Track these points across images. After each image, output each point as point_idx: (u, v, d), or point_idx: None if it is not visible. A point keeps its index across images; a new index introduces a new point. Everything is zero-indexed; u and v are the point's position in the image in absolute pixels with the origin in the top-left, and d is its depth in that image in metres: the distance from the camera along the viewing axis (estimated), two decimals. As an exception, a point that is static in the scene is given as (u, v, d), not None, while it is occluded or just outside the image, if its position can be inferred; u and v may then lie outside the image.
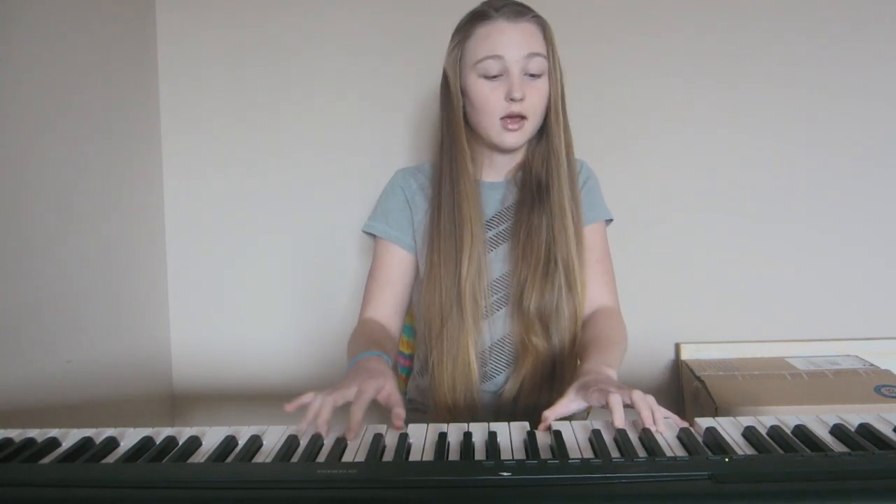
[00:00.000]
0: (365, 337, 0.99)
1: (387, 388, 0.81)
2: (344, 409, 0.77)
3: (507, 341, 1.04)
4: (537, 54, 0.96)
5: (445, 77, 1.03)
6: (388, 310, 1.06)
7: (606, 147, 1.52)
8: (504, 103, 0.97)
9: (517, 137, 0.99)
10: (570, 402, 0.79)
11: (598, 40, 1.56)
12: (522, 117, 0.98)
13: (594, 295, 1.04)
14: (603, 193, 1.11)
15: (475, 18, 0.99)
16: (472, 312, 0.98)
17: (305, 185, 1.62)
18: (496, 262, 1.04)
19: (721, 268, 1.58)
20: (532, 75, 0.97)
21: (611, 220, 1.11)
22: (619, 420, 0.70)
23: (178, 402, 1.66)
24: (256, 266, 1.64)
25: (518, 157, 1.07)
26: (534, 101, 0.98)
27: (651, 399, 0.74)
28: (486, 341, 1.03)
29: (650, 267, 1.56)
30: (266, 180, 1.62)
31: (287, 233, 1.63)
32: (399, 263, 1.07)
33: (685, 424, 0.71)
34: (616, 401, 0.72)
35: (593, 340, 0.96)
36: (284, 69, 1.60)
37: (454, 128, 1.02)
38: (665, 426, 0.71)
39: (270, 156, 1.62)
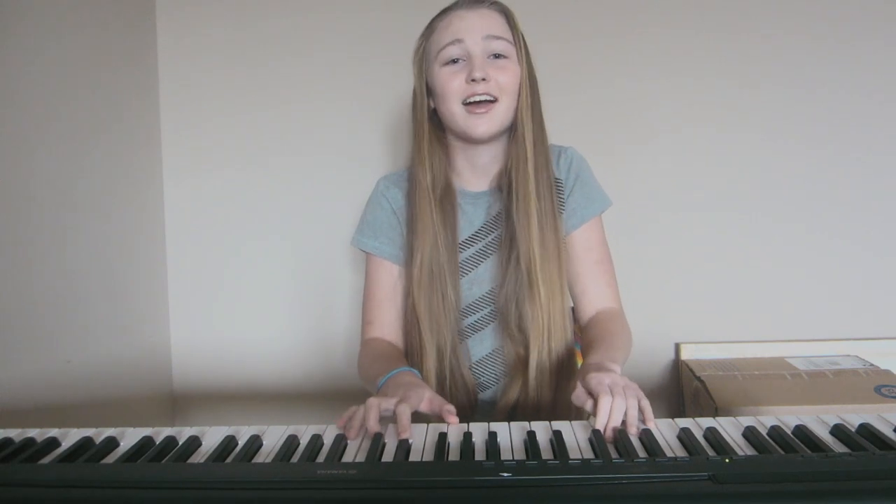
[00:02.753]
0: (381, 356, 0.97)
1: (427, 395, 0.81)
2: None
3: (497, 354, 1.02)
4: (499, 37, 0.93)
5: (414, 83, 1.01)
6: (389, 328, 1.03)
7: (606, 146, 1.52)
8: (465, 86, 0.92)
9: (487, 123, 0.93)
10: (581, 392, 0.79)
11: (599, 38, 1.56)
12: (492, 101, 0.93)
13: (595, 298, 1.01)
14: (597, 178, 1.05)
15: (436, 16, 0.98)
16: (434, 337, 0.96)
17: (306, 185, 1.62)
18: (485, 275, 1.01)
19: (721, 268, 1.58)
20: (497, 56, 0.94)
21: (609, 205, 1.04)
22: (601, 422, 0.70)
23: (178, 402, 1.66)
24: (256, 266, 1.64)
25: (500, 161, 1.01)
26: (501, 81, 0.93)
27: (629, 403, 0.72)
28: (474, 356, 1.02)
29: (650, 266, 1.56)
30: (266, 180, 1.62)
31: (287, 233, 1.63)
32: (392, 279, 1.03)
33: (651, 426, 0.71)
34: (605, 403, 0.71)
35: (596, 339, 0.94)
36: (285, 69, 1.60)
37: (417, 134, 0.99)
38: (647, 426, 0.71)
39: (270, 155, 1.62)
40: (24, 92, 1.18)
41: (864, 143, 1.54)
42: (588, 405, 0.76)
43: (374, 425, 0.71)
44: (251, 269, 1.64)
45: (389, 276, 1.03)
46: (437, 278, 0.96)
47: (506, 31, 0.95)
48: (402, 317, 1.04)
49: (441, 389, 0.98)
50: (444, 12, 0.97)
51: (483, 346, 1.02)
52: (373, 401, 0.75)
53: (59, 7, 1.27)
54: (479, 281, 1.01)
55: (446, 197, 0.99)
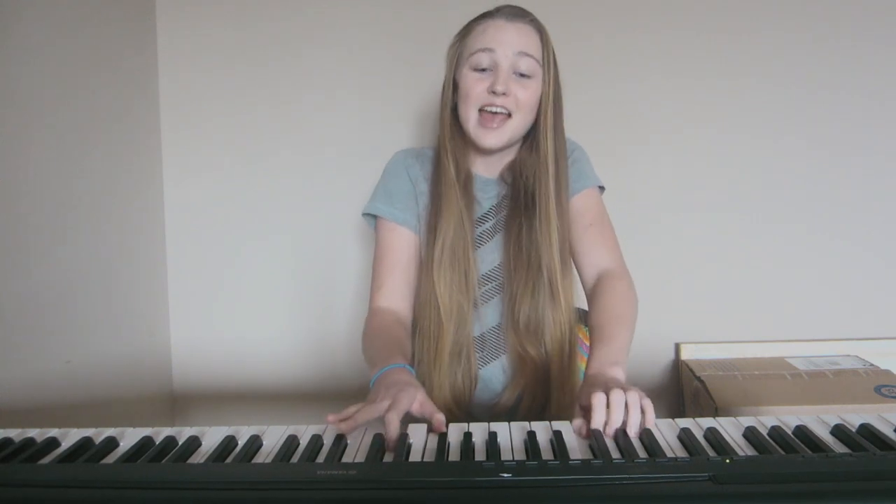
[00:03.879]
0: (383, 338, 0.96)
1: (419, 398, 0.80)
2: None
3: (499, 330, 1.04)
4: (529, 55, 0.96)
5: (445, 76, 1.04)
6: (399, 295, 1.03)
7: (607, 146, 1.52)
8: (486, 94, 0.96)
9: (495, 137, 0.98)
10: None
11: (599, 38, 1.56)
12: (506, 115, 0.97)
13: (594, 259, 1.02)
14: (592, 164, 1.09)
15: (477, 18, 1.01)
16: (453, 316, 0.98)
17: (305, 184, 1.62)
18: (493, 253, 1.04)
19: (721, 268, 1.58)
20: (522, 75, 0.97)
21: (602, 188, 1.08)
22: (597, 421, 0.70)
23: (178, 402, 1.66)
24: (256, 266, 1.64)
25: (509, 156, 1.06)
26: (520, 98, 0.97)
27: (630, 399, 0.71)
28: (478, 329, 1.03)
29: (650, 267, 1.56)
30: (266, 179, 1.62)
31: (287, 232, 1.63)
32: (406, 245, 1.04)
33: (651, 425, 0.71)
34: (599, 400, 0.71)
35: (597, 326, 0.94)
36: (284, 67, 1.60)
37: (442, 124, 1.03)
38: (638, 429, 0.70)
39: (270, 154, 1.62)
40: (24, 92, 1.18)
41: (865, 143, 1.54)
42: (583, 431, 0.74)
43: (347, 428, 0.71)
44: (251, 269, 1.64)
45: (402, 242, 1.04)
46: (459, 259, 0.99)
47: (537, 49, 0.98)
48: (411, 286, 1.04)
49: (450, 368, 0.99)
50: (484, 17, 1.00)
51: (488, 319, 1.04)
52: (364, 410, 0.74)
53: (58, 7, 1.27)
54: (488, 258, 1.04)
55: (467, 182, 1.03)
